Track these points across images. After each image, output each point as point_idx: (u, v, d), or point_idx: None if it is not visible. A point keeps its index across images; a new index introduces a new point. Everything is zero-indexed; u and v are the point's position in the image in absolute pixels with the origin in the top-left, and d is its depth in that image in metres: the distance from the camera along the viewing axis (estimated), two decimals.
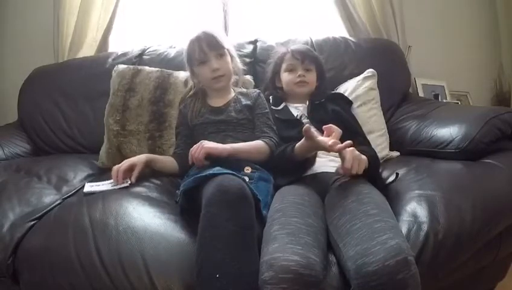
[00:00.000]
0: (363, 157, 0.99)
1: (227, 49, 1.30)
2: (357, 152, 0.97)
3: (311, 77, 1.37)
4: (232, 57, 1.33)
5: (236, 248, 0.79)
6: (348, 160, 0.94)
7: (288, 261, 0.74)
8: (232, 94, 1.34)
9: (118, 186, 1.12)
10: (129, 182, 1.13)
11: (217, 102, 1.32)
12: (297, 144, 1.07)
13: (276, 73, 1.44)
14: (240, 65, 1.39)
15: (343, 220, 0.87)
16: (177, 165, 1.26)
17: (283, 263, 0.74)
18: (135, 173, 1.15)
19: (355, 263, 0.75)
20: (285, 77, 1.39)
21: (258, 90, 1.38)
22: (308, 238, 0.81)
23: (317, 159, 1.14)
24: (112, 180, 1.15)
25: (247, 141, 1.20)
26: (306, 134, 0.99)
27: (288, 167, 1.12)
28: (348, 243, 0.80)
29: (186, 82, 1.46)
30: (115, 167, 1.15)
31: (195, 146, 1.10)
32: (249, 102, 1.30)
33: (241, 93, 1.34)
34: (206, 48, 1.25)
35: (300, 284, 0.72)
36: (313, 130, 1.00)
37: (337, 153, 0.99)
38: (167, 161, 1.27)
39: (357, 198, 0.90)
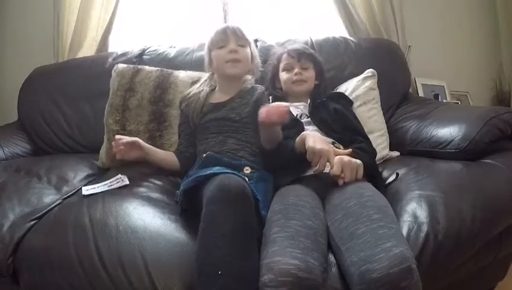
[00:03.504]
0: (358, 162, 1.01)
1: (250, 47, 1.35)
2: (348, 159, 1.00)
3: (309, 75, 1.38)
4: (253, 56, 1.36)
5: (238, 246, 0.79)
6: (336, 167, 0.98)
7: (288, 264, 0.74)
8: (237, 90, 1.34)
9: (115, 186, 1.12)
10: (126, 182, 1.13)
11: (221, 97, 1.32)
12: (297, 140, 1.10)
13: (275, 74, 1.44)
14: (259, 66, 1.43)
15: (345, 223, 0.86)
16: (178, 162, 1.28)
17: (282, 266, 0.74)
18: (127, 138, 1.19)
19: (358, 269, 0.75)
20: (283, 76, 1.40)
21: (262, 87, 1.38)
22: (307, 241, 0.81)
23: None
24: (107, 182, 1.15)
25: (249, 141, 1.22)
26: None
27: (290, 160, 1.12)
28: (351, 248, 0.80)
29: (193, 82, 1.46)
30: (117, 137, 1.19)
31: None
32: (252, 98, 1.30)
33: (246, 90, 1.35)
34: (230, 33, 1.30)
35: (300, 288, 0.73)
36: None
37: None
38: (166, 155, 1.29)
39: (360, 201, 0.90)
